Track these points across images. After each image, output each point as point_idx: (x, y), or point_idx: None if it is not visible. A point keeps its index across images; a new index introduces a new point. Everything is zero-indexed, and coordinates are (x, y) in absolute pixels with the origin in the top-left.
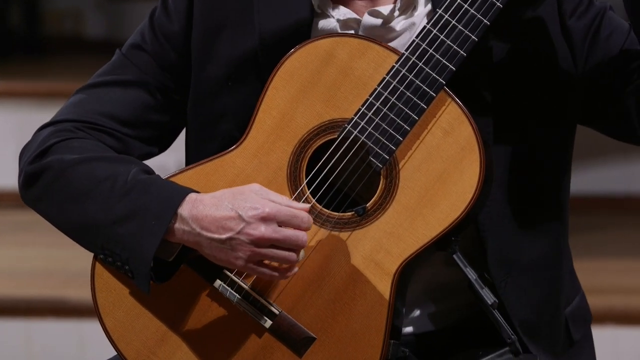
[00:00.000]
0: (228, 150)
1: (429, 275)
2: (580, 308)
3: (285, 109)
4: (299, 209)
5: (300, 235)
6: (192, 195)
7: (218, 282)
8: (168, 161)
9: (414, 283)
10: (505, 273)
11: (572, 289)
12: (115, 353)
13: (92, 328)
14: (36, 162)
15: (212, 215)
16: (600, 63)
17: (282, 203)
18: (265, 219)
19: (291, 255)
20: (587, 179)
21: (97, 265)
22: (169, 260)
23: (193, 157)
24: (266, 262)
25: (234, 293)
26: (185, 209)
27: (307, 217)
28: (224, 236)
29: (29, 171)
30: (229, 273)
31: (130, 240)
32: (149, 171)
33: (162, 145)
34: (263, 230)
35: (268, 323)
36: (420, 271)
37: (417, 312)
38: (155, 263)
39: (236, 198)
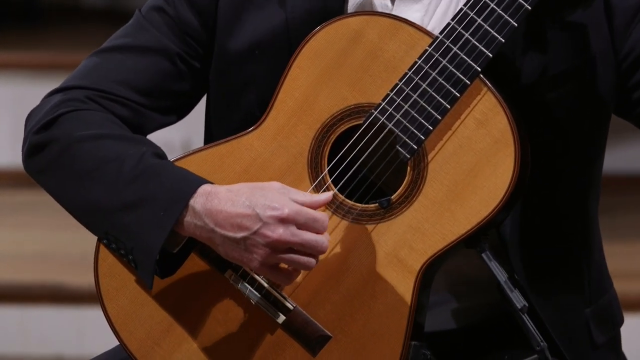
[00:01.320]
0: (246, 132)
1: (453, 266)
2: (607, 309)
3: (308, 91)
4: (323, 201)
5: (320, 240)
6: (205, 187)
7: (230, 273)
8: (173, 139)
9: (436, 275)
10: (531, 275)
11: (599, 288)
12: (116, 343)
13: (92, 316)
14: (42, 133)
15: (227, 211)
16: None
17: (305, 203)
18: (284, 221)
19: (309, 260)
20: (621, 157)
21: (102, 248)
22: (173, 252)
23: (214, 129)
24: (283, 265)
25: (246, 285)
26: (198, 202)
27: (326, 221)
28: (238, 235)
29: (34, 141)
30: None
31: (136, 230)
32: (161, 155)
33: (179, 115)
34: (281, 232)
35: (281, 318)
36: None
37: (438, 308)
38: (160, 254)
39: (254, 194)
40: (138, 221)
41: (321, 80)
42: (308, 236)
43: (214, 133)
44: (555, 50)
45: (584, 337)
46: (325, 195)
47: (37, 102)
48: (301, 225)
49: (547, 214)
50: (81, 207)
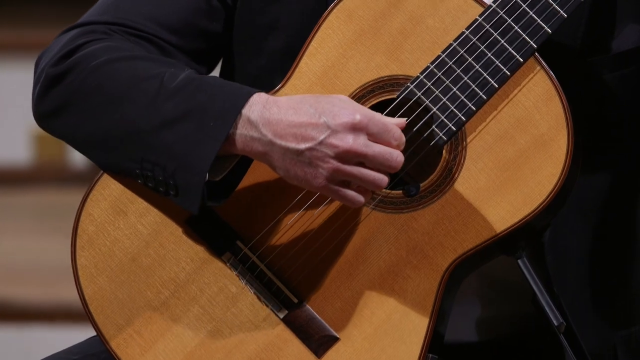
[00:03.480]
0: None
1: (483, 267)
2: (638, 339)
3: (336, 56)
4: (395, 123)
5: (395, 153)
6: (262, 95)
7: (228, 256)
8: None
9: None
10: (574, 288)
11: (635, 313)
12: (94, 333)
13: (41, 336)
14: (62, 63)
15: (289, 120)
16: None
17: (375, 113)
18: (355, 128)
19: (382, 178)
20: None
21: (84, 217)
22: (216, 180)
23: (231, 74)
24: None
25: (246, 270)
26: (254, 110)
27: (399, 133)
28: (302, 146)
29: (51, 73)
30: (242, 245)
31: (181, 146)
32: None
33: (210, 64)
34: (351, 141)
35: (283, 312)
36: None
37: (461, 315)
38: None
39: (320, 102)
40: (182, 136)
41: (353, 45)
42: (381, 148)
43: (228, 79)
44: (623, 25)
45: None
46: (399, 120)
47: None
48: (374, 136)
49: (597, 223)
50: (110, 136)
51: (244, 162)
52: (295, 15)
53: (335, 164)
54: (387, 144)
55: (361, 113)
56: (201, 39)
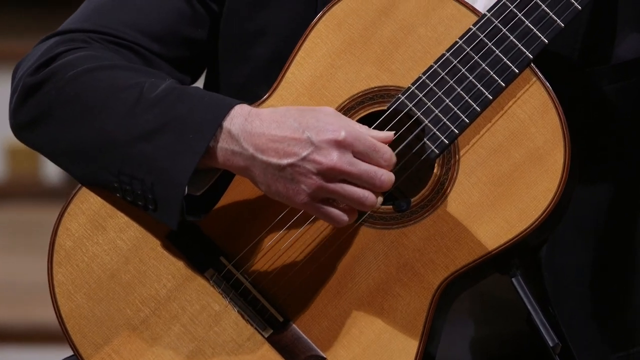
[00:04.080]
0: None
1: (476, 285)
2: None
3: (325, 66)
4: (383, 138)
5: (380, 172)
6: (244, 107)
7: (211, 272)
8: None
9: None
10: (572, 308)
11: (634, 336)
12: (71, 353)
13: (16, 357)
14: (39, 72)
15: (271, 134)
16: None
17: (363, 130)
18: (340, 145)
19: (369, 196)
20: None
21: (60, 230)
22: (196, 195)
23: (216, 84)
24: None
25: (229, 288)
26: (235, 123)
27: (389, 154)
28: (284, 161)
29: (29, 83)
30: (225, 262)
31: (159, 158)
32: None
33: (194, 73)
34: (335, 158)
35: (268, 331)
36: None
37: (452, 334)
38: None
39: (304, 116)
40: (161, 148)
41: (342, 55)
42: (367, 166)
43: (213, 88)
44: (623, 35)
45: None
46: (386, 134)
47: None
48: (360, 154)
49: (596, 240)
50: (90, 146)
51: (226, 176)
52: (283, 21)
53: (318, 180)
54: (375, 164)
55: (347, 130)
56: (185, 47)
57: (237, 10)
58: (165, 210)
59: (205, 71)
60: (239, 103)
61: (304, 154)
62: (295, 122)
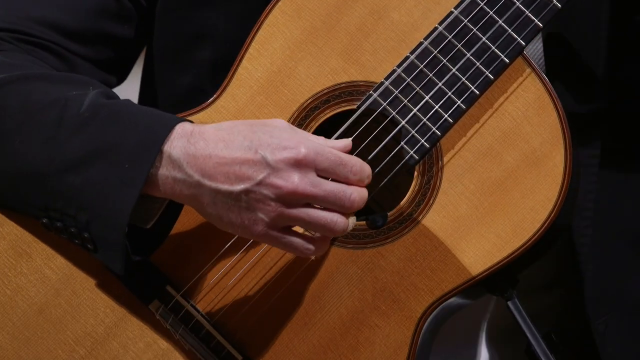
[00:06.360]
0: (191, 112)
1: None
2: None
3: (283, 59)
4: (341, 147)
5: (349, 190)
6: (185, 126)
7: (156, 305)
8: None
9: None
10: (604, 312)
11: None
12: None
13: None
14: None
15: (219, 156)
16: None
17: (323, 143)
18: (300, 164)
19: (338, 220)
20: None
21: None
22: (146, 227)
23: (155, 90)
24: (297, 229)
25: (179, 322)
26: (176, 146)
27: (359, 165)
28: (237, 188)
29: None
30: (173, 292)
31: (91, 193)
32: (112, 96)
33: (120, 73)
34: (296, 180)
35: None
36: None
37: None
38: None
39: (255, 131)
40: (93, 181)
41: (302, 46)
42: (333, 186)
43: (150, 101)
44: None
45: None
46: (344, 142)
47: None
48: (324, 171)
49: (603, 258)
50: (8, 177)
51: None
52: (231, 20)
53: (277, 207)
54: (344, 180)
55: (307, 145)
56: (109, 46)
57: (173, 10)
58: (106, 252)
59: (140, 75)
60: (180, 121)
61: (260, 177)
62: (245, 140)
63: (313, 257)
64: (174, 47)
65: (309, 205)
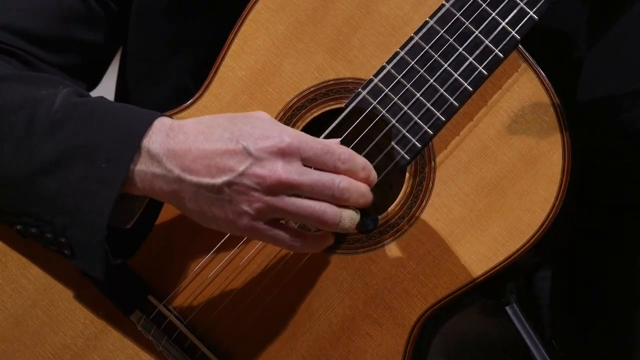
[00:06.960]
0: (173, 112)
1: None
2: None
3: (267, 56)
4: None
5: (338, 178)
6: (164, 120)
7: (138, 315)
8: None
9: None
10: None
11: None
12: None
13: None
14: None
15: (199, 149)
16: None
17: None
18: (284, 152)
19: (327, 209)
20: None
21: None
22: (126, 228)
23: (130, 101)
24: (283, 222)
25: (161, 333)
26: (155, 141)
27: (348, 153)
28: (219, 180)
29: None
30: (155, 301)
31: (68, 196)
32: (84, 95)
33: (91, 80)
34: (280, 169)
35: None
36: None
37: None
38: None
39: (235, 123)
40: (68, 183)
41: (287, 42)
42: (320, 174)
43: None
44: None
45: None
46: (332, 141)
47: None
48: (309, 160)
49: (598, 258)
50: None
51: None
52: (211, 25)
53: (262, 198)
54: (333, 169)
55: (290, 134)
56: (77, 51)
57: (148, 18)
58: (85, 257)
59: (114, 77)
60: (159, 116)
61: (242, 168)
62: (226, 131)
63: (313, 252)
64: (147, 55)
65: (296, 196)
